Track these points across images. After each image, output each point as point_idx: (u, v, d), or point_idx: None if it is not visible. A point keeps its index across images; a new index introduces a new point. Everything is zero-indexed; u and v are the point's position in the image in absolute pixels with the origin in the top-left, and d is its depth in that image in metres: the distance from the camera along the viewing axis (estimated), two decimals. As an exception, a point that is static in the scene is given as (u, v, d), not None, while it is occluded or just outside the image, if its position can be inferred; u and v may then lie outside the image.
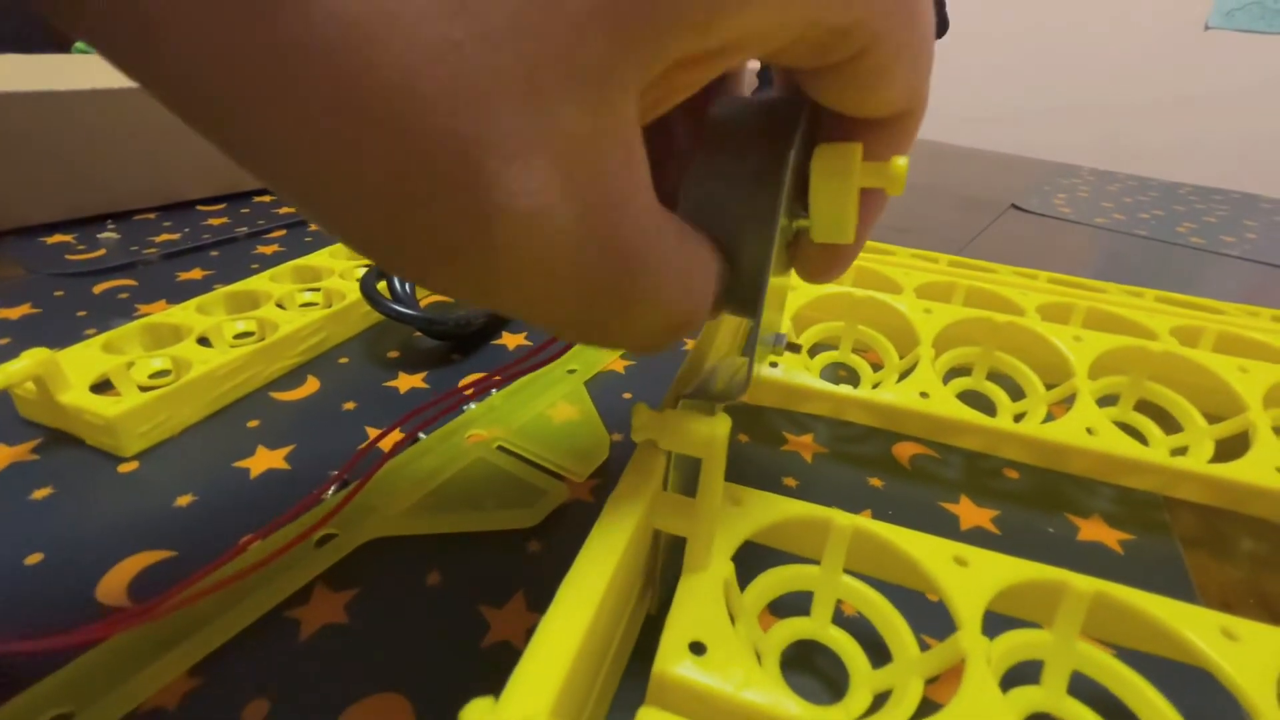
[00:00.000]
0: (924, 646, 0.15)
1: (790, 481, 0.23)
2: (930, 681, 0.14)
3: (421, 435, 0.23)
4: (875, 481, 0.23)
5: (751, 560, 0.16)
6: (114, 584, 0.18)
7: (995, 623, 0.14)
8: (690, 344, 0.31)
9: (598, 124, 0.08)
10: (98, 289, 0.34)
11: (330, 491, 0.21)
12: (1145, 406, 0.26)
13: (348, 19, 0.07)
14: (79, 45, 0.69)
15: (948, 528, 0.22)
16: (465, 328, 0.29)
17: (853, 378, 0.26)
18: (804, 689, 0.16)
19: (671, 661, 0.13)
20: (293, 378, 0.27)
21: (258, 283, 0.31)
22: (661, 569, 0.17)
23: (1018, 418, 0.23)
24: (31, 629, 0.17)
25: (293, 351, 0.28)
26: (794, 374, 0.24)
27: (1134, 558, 0.21)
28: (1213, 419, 0.24)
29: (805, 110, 0.13)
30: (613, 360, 0.29)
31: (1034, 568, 0.15)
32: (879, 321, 0.28)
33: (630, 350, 0.12)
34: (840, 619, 0.16)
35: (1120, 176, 0.77)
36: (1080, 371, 0.25)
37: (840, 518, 0.16)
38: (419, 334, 0.30)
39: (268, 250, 0.40)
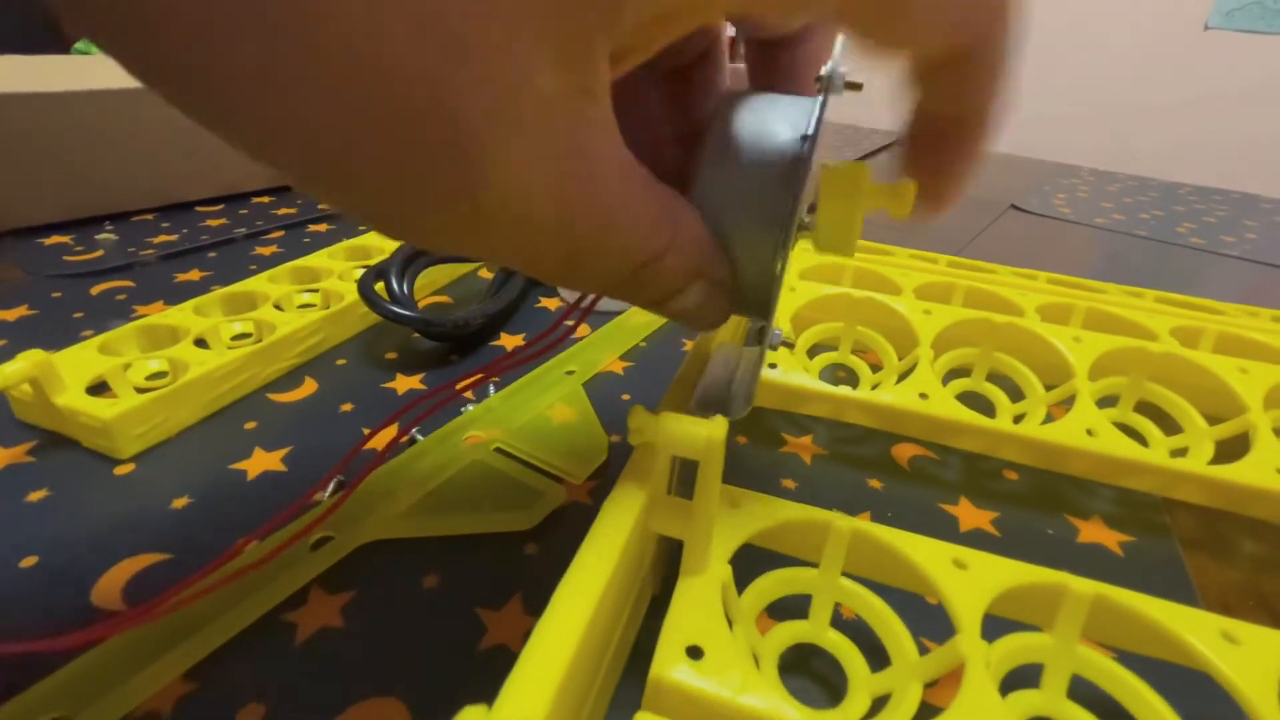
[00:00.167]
0: (923, 650, 0.15)
1: (789, 483, 0.23)
2: (929, 685, 0.14)
3: (419, 437, 0.23)
4: (874, 483, 0.23)
5: (749, 563, 0.16)
6: (109, 587, 0.18)
7: (995, 626, 0.14)
8: (689, 345, 0.31)
9: (571, 80, 0.09)
10: (95, 290, 0.34)
11: (326, 493, 0.21)
12: (1145, 407, 0.26)
13: None
14: (79, 45, 0.69)
15: (947, 529, 0.22)
16: (463, 329, 0.29)
17: (852, 379, 0.26)
18: (802, 693, 0.16)
19: (668, 665, 0.13)
20: (290, 379, 0.27)
21: (255, 284, 0.31)
22: (670, 551, 0.17)
23: (1017, 419, 0.23)
24: (26, 632, 0.17)
25: (290, 353, 0.28)
26: (793, 375, 0.24)
27: (1134, 559, 0.21)
28: (1213, 420, 0.24)
29: (817, 115, 0.13)
30: (611, 361, 0.29)
31: (1033, 571, 0.15)
32: (878, 322, 0.28)
33: (602, 289, 0.13)
34: (839, 622, 0.16)
35: (1120, 176, 0.76)
36: (1080, 372, 0.24)
37: (839, 520, 0.16)
38: (417, 335, 0.30)
39: (266, 251, 0.40)
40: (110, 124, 0.41)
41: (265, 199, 0.49)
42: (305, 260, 0.33)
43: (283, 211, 0.46)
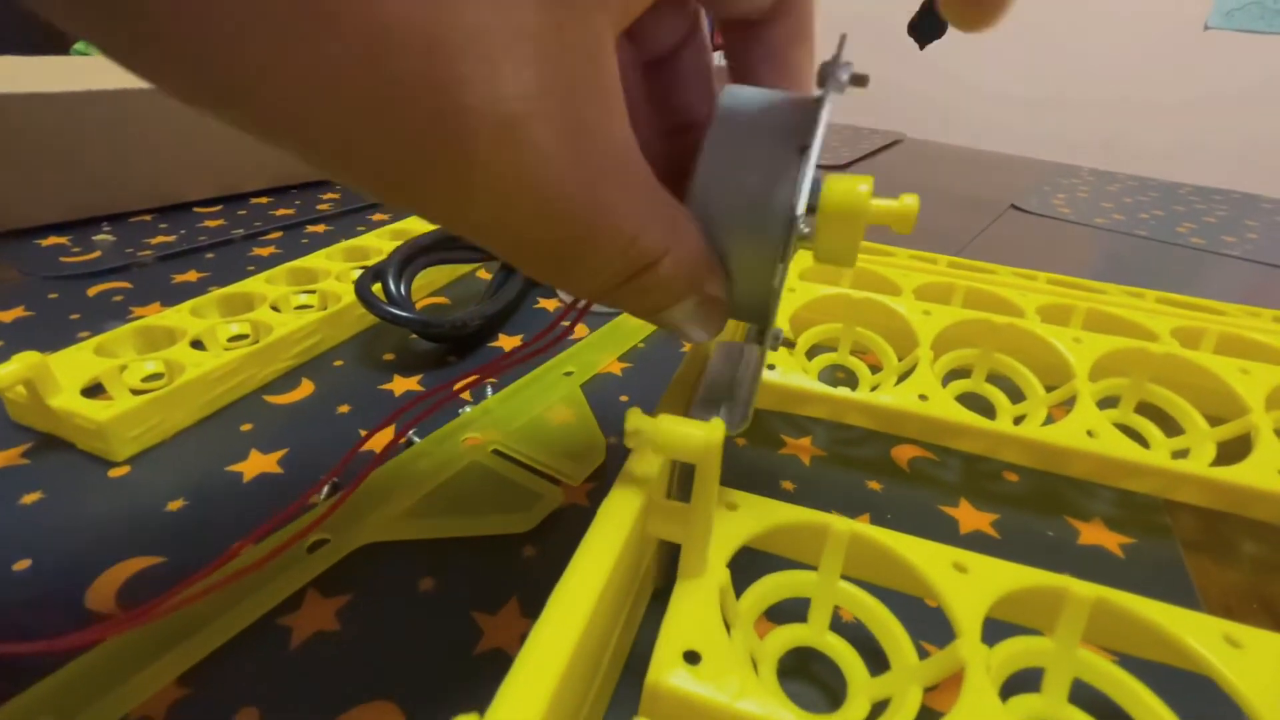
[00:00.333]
0: (923, 654, 0.14)
1: (788, 485, 0.23)
2: (929, 689, 0.14)
3: (416, 438, 0.23)
4: (874, 485, 0.23)
5: (748, 566, 0.16)
6: (103, 590, 0.18)
7: (995, 629, 0.14)
8: (687, 346, 0.31)
9: (564, 36, 0.09)
10: (92, 291, 0.34)
11: (323, 495, 0.21)
12: (1146, 408, 0.25)
13: None
14: (78, 46, 0.69)
15: (947, 531, 0.21)
16: (461, 330, 0.29)
17: (851, 380, 0.26)
18: (801, 697, 0.15)
19: (665, 671, 0.12)
20: (287, 381, 0.27)
21: (252, 285, 0.31)
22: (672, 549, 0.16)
23: (1017, 420, 0.23)
24: (20, 636, 0.16)
25: (287, 354, 0.27)
26: (792, 376, 0.24)
27: (1135, 561, 0.21)
28: (1214, 421, 0.23)
29: (819, 120, 0.13)
30: (610, 363, 0.29)
31: (1034, 574, 0.15)
32: (877, 323, 0.27)
33: (587, 295, 0.12)
34: (838, 626, 0.16)
35: (1120, 176, 0.76)
36: (1080, 373, 0.24)
37: (838, 523, 0.16)
38: (415, 336, 0.30)
39: (264, 252, 0.40)
40: (108, 125, 0.41)
41: (263, 200, 0.49)
42: (303, 261, 0.33)
43: (281, 212, 0.46)
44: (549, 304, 0.35)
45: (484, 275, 0.37)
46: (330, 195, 0.50)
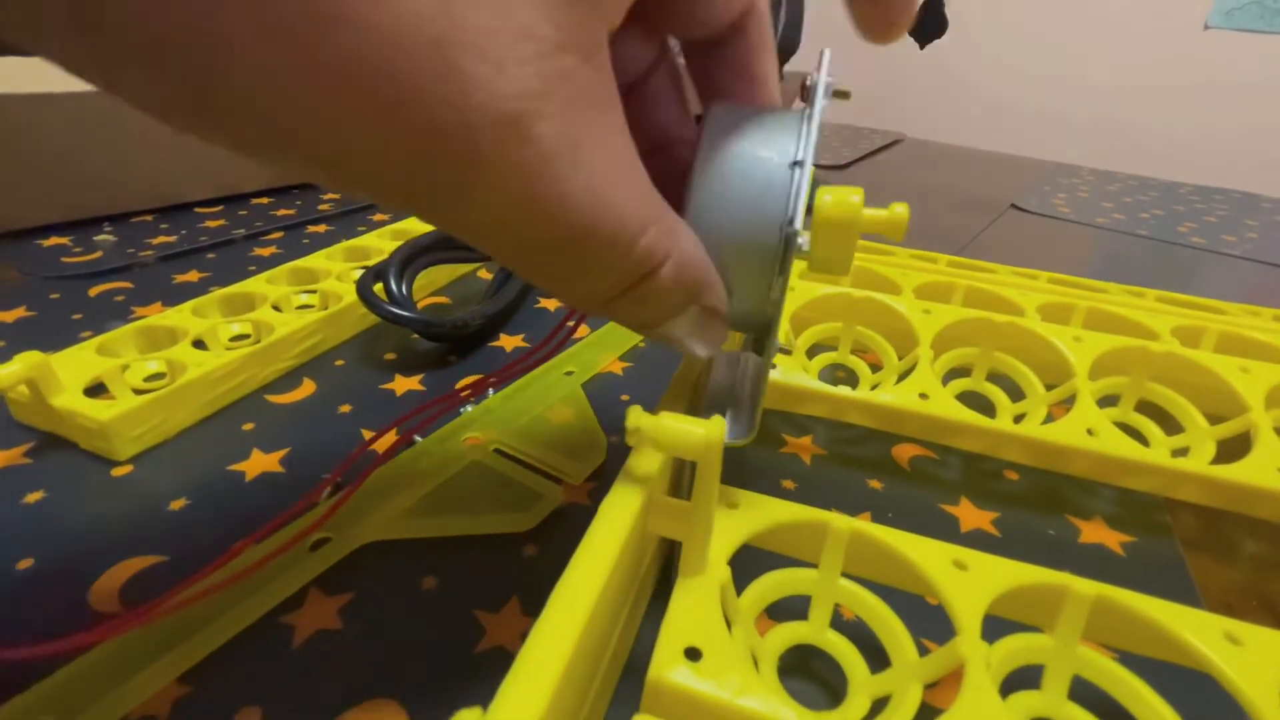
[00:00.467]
0: (923, 651, 0.15)
1: (789, 484, 0.23)
2: (929, 687, 0.14)
3: (418, 438, 0.23)
4: (875, 483, 0.23)
5: (748, 564, 0.16)
6: (106, 589, 0.18)
7: (995, 627, 0.14)
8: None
9: (564, 37, 0.09)
10: (93, 291, 0.34)
11: (324, 495, 0.21)
12: (1146, 407, 0.25)
13: None
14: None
15: (948, 530, 0.21)
16: (462, 329, 0.29)
17: (851, 379, 0.26)
18: (802, 694, 0.15)
19: (666, 667, 0.13)
20: (288, 380, 0.27)
21: (254, 285, 0.31)
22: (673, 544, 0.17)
23: (1018, 419, 0.23)
24: (22, 635, 0.17)
25: (288, 354, 0.28)
26: (792, 375, 0.24)
27: (1135, 560, 0.21)
28: (1214, 419, 0.24)
29: (808, 133, 0.13)
30: (610, 362, 0.29)
31: (1034, 571, 0.15)
32: (878, 322, 0.28)
33: (578, 306, 0.12)
34: (838, 623, 0.16)
35: (1120, 176, 0.76)
36: (1080, 372, 0.24)
37: (838, 521, 0.16)
38: (416, 336, 0.30)
39: (265, 252, 0.40)
40: (109, 125, 0.41)
41: (264, 200, 0.49)
42: (304, 261, 0.33)
43: (282, 213, 0.46)
44: (550, 304, 0.35)
45: (485, 275, 0.37)
46: (331, 195, 0.50)
